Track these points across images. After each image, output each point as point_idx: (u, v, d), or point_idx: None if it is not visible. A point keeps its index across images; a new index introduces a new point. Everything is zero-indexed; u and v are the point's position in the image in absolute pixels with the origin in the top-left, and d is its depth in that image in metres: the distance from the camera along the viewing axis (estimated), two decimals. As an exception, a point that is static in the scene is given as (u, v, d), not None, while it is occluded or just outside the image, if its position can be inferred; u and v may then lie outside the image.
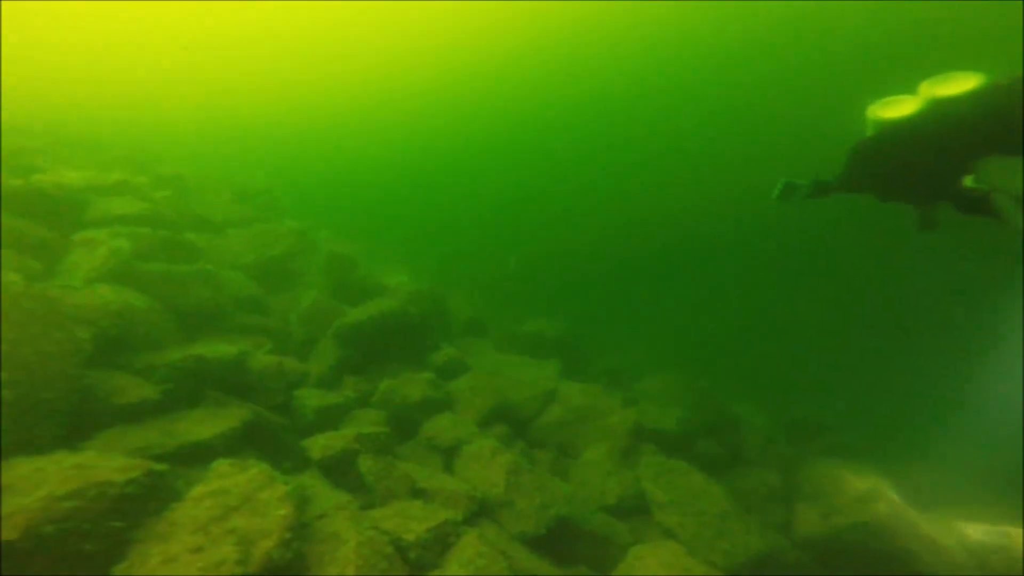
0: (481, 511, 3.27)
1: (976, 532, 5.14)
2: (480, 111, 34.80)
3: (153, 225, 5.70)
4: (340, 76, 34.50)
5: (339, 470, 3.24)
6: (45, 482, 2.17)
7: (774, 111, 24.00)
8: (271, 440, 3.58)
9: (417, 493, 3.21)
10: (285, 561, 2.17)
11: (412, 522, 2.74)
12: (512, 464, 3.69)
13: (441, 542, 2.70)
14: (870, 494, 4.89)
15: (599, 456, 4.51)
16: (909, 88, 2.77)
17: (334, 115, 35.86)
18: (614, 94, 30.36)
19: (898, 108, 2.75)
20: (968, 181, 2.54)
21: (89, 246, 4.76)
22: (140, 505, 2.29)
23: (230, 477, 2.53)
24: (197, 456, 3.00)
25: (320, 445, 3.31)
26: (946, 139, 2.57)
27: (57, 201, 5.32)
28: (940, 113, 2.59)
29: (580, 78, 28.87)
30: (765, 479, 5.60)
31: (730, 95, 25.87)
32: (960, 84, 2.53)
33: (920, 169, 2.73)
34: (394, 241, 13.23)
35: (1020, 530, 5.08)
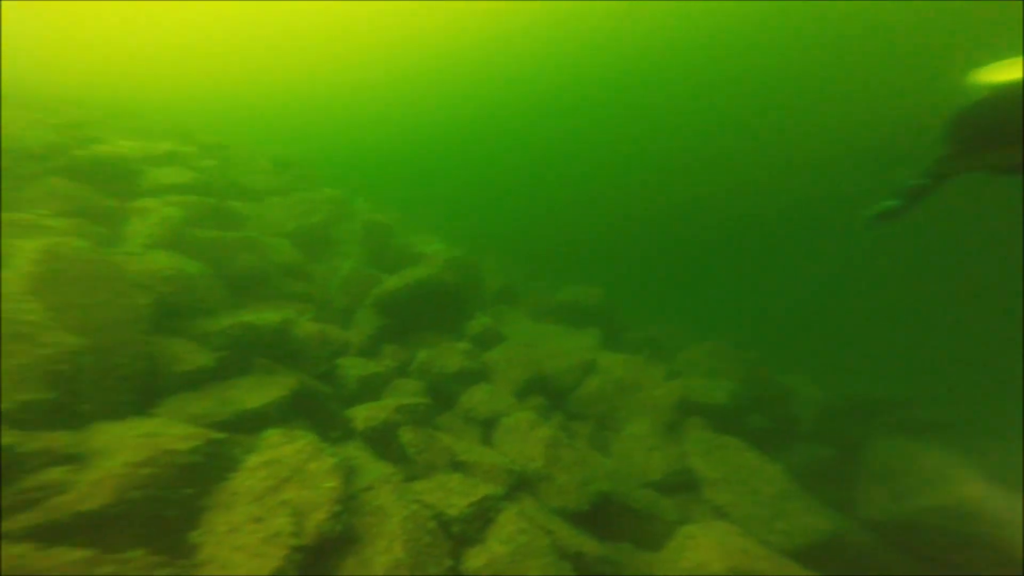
0: (520, 485, 3.27)
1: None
2: (533, 83, 33.34)
3: (201, 193, 5.84)
4: (377, 52, 33.56)
5: (382, 440, 3.31)
6: (121, 449, 2.30)
7: (837, 88, 21.74)
8: (318, 409, 3.70)
9: (457, 466, 3.24)
10: (336, 533, 2.24)
11: (454, 496, 2.76)
12: (551, 438, 3.65)
13: (483, 517, 2.72)
14: (948, 474, 4.50)
15: (642, 430, 4.40)
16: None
17: (371, 90, 35.24)
18: (665, 68, 28.31)
19: (1013, 71, 2.74)
20: None
21: (142, 214, 4.95)
22: (205, 473, 2.41)
23: (280, 447, 2.62)
24: (251, 424, 3.13)
25: (363, 416, 3.37)
26: None
27: (115, 170, 5.53)
28: None
29: (635, 44, 26.87)
30: (819, 455, 5.34)
31: (786, 74, 23.61)
32: None
33: None
34: (428, 211, 13.18)
35: None
